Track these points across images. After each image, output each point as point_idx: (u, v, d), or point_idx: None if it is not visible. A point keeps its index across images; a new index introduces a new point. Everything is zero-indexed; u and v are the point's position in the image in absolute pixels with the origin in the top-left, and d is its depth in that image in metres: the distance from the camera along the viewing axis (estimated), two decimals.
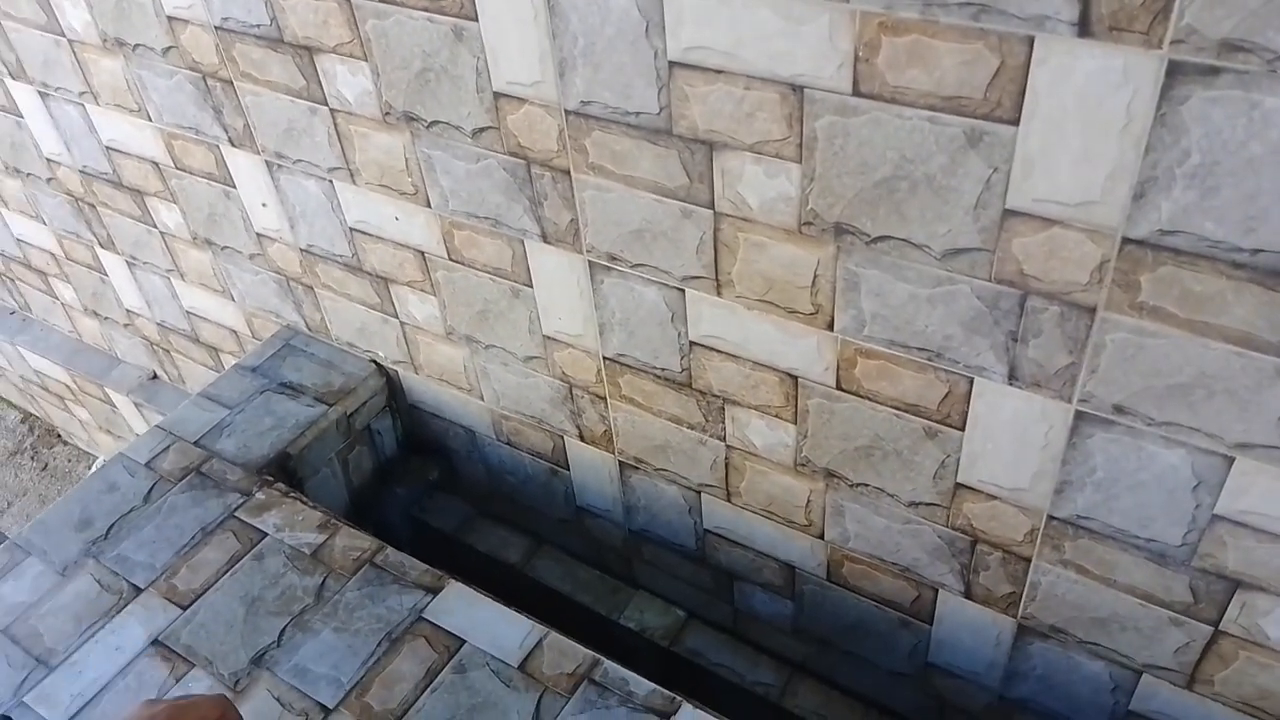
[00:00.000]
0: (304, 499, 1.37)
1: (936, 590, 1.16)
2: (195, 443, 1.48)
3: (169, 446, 1.47)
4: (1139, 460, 0.90)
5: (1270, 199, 0.70)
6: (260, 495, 1.38)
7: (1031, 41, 0.72)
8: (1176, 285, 0.78)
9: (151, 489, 1.41)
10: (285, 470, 1.47)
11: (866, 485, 1.12)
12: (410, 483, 1.66)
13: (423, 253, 1.32)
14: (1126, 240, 0.78)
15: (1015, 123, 0.76)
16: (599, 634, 1.46)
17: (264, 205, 1.47)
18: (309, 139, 1.30)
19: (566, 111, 1.02)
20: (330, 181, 1.33)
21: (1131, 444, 0.89)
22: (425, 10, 1.04)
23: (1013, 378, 0.92)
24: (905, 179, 0.85)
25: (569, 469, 1.47)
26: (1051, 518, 0.99)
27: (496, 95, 1.06)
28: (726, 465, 1.25)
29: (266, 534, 1.32)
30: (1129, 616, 1.01)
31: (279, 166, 1.38)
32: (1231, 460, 0.84)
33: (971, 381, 0.95)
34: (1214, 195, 0.72)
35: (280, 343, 1.67)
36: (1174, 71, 0.68)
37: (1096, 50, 0.70)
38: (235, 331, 1.83)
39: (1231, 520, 0.88)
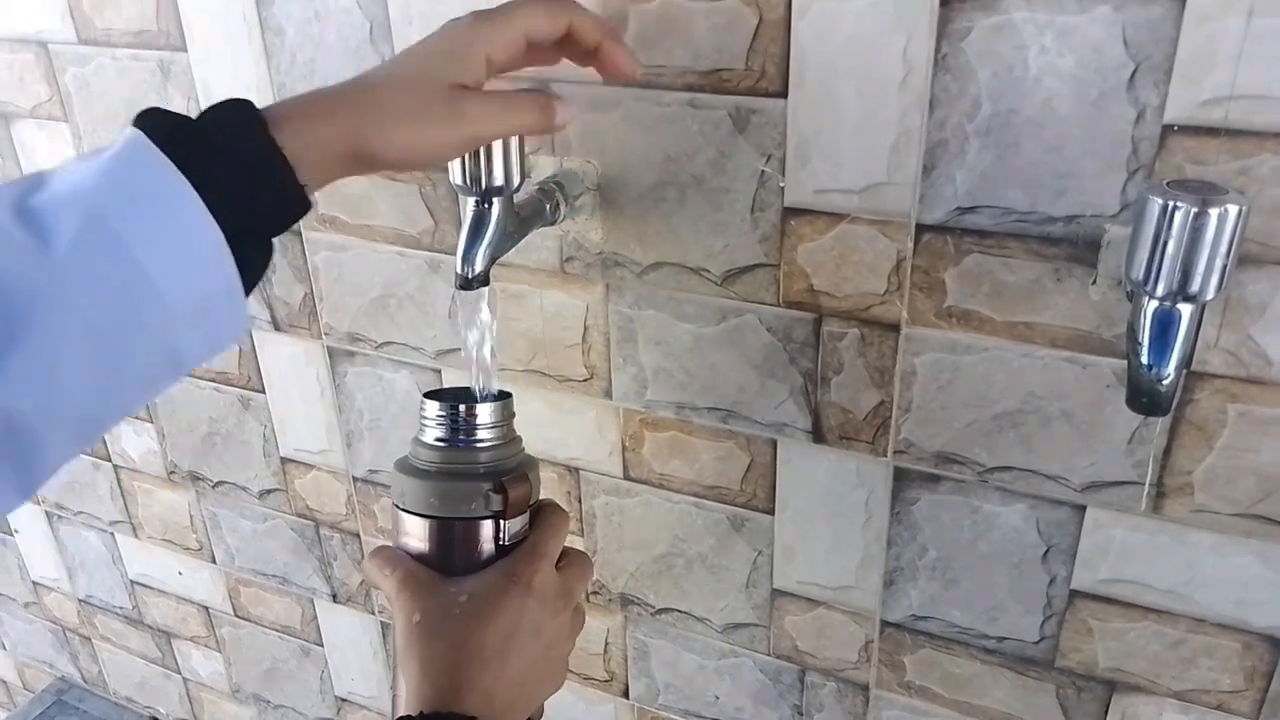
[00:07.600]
0: None
1: None
2: None
3: None
4: None
5: (1004, 592, 0.73)
6: None
7: (775, 444, 0.76)
8: (938, 668, 0.79)
9: None
10: None
11: None
12: None
13: (207, 608, 1.24)
14: (885, 623, 0.80)
15: (771, 512, 0.80)
16: None
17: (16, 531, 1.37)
18: (91, 492, 1.23)
19: (354, 479, 1.01)
20: (111, 534, 1.26)
21: None
22: (212, 381, 1.04)
23: None
24: (680, 556, 0.87)
25: None
26: None
27: (284, 460, 1.05)
28: None
29: None
30: None
31: (59, 517, 1.30)
32: None
33: None
34: (955, 587, 0.75)
35: (51, 699, 1.50)
36: (901, 477, 0.73)
37: (831, 455, 0.74)
38: (5, 682, 1.64)
39: None
